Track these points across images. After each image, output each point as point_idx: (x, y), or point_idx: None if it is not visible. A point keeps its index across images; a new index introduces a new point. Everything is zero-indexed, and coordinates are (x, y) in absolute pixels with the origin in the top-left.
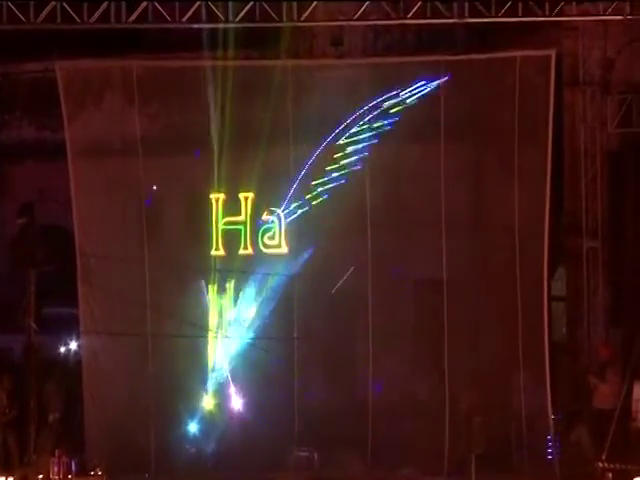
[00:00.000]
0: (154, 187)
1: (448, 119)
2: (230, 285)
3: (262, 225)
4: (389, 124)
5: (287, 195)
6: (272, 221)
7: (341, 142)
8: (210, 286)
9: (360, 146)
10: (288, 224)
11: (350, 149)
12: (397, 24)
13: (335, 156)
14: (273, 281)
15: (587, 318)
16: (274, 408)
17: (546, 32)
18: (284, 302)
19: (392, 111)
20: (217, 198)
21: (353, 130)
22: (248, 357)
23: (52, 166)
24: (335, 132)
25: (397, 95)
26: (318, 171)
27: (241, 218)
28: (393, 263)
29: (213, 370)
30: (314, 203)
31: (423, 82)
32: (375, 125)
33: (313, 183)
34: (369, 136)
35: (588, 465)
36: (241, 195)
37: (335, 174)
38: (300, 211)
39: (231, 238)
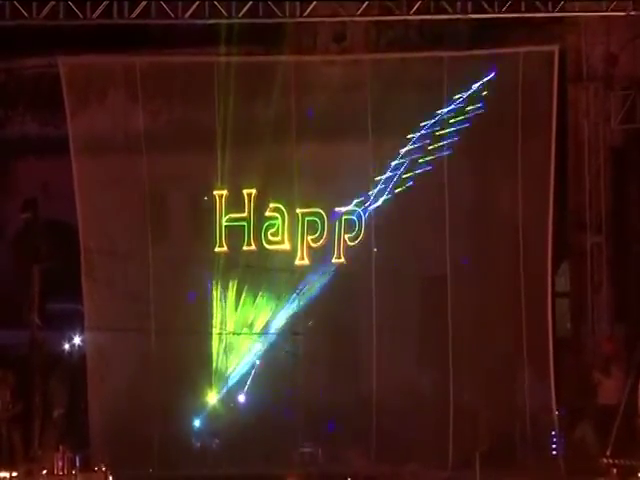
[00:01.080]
0: None
1: (451, 115)
2: (234, 281)
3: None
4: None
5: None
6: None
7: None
8: (214, 282)
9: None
10: None
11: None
12: (400, 20)
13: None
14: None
15: (591, 314)
16: (278, 404)
17: (549, 28)
18: (288, 298)
19: (452, 121)
20: (220, 194)
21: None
22: (252, 353)
23: (55, 162)
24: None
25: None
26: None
27: (244, 214)
28: (398, 260)
29: (217, 366)
30: None
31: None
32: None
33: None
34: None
35: (593, 461)
36: (244, 191)
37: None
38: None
39: (234, 235)
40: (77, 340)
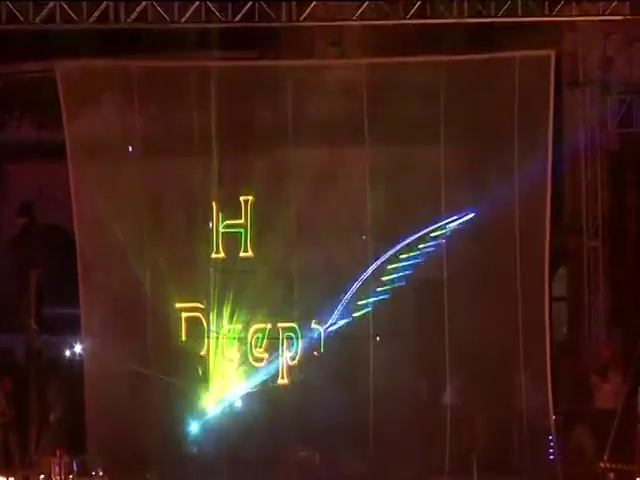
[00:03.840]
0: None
1: (448, 120)
2: (231, 287)
3: None
4: (433, 246)
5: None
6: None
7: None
8: (211, 287)
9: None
10: None
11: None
12: (396, 24)
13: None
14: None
15: (588, 318)
16: (275, 407)
17: (545, 32)
18: (284, 302)
19: (434, 235)
20: (218, 201)
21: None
22: (249, 357)
23: (52, 166)
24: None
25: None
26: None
27: (241, 221)
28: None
29: (213, 370)
30: None
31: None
32: (420, 247)
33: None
34: (414, 256)
35: (590, 465)
36: (241, 198)
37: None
38: None
39: (231, 241)
40: (74, 345)
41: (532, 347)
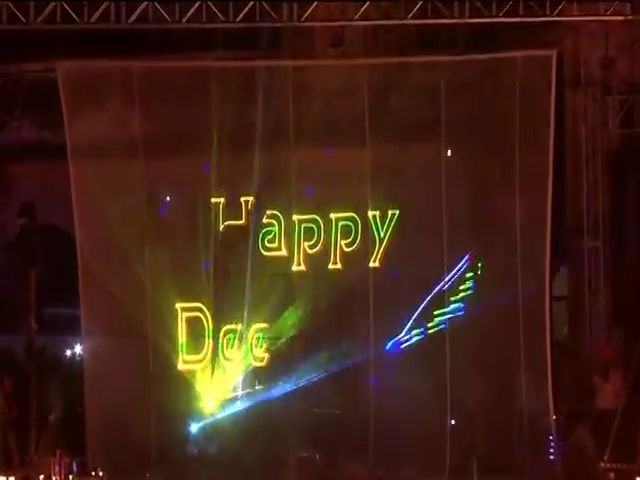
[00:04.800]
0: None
1: (449, 120)
2: (230, 287)
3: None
4: None
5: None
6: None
7: None
8: (211, 287)
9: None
10: None
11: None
12: (398, 24)
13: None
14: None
15: (589, 318)
16: (276, 408)
17: (547, 32)
18: (284, 302)
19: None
20: (218, 202)
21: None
22: (249, 358)
23: (52, 166)
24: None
25: None
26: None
27: (242, 222)
28: (395, 263)
29: (214, 371)
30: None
31: None
32: None
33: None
34: None
35: (590, 465)
36: (242, 199)
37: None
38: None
39: (232, 241)
40: (74, 345)
41: (533, 347)
